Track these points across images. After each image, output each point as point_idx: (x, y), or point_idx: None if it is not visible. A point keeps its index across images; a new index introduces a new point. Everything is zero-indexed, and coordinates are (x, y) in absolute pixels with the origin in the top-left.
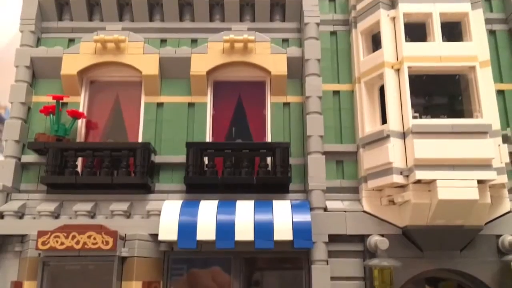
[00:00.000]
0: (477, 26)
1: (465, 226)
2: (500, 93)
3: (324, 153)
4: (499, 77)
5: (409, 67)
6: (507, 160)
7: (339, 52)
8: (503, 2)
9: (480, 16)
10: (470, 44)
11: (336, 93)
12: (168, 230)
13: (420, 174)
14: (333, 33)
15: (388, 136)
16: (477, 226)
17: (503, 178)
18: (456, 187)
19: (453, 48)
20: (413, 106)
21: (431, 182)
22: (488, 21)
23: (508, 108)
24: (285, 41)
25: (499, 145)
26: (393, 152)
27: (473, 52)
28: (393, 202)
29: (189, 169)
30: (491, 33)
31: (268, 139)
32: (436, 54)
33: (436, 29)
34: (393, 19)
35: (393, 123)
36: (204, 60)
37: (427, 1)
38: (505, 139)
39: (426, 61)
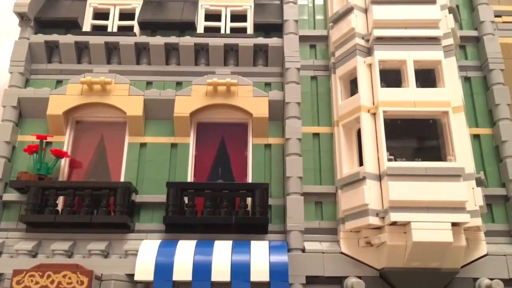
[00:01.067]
0: (450, 73)
1: (441, 269)
2: (476, 137)
3: (303, 194)
4: (474, 122)
5: (384, 112)
6: (481, 203)
7: (319, 96)
8: (478, 50)
9: (453, 64)
10: (443, 90)
11: (316, 135)
12: (145, 270)
13: (395, 216)
14: (313, 77)
15: (364, 178)
16: (453, 269)
17: (477, 221)
18: (431, 229)
19: (427, 93)
20: (388, 149)
21: (406, 224)
22: (463, 68)
23: (483, 152)
24: (267, 84)
25: (473, 188)
26: (369, 194)
27: (446, 97)
28: (370, 244)
29: (169, 208)
30: (467, 79)
31: (250, 180)
32: (410, 99)
33: (410, 76)
34: (370, 65)
35: (369, 166)
36: (187, 102)
37: (402, 49)
38: (479, 183)
39: (400, 106)
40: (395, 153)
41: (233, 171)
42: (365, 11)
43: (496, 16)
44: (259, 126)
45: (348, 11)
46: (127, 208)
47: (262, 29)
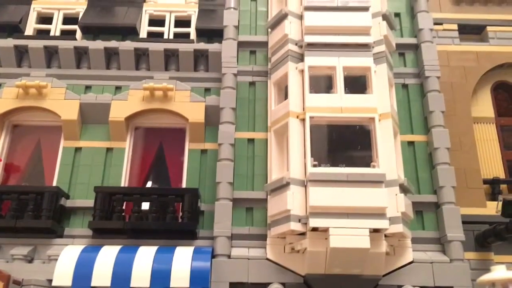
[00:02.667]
0: (380, 80)
1: (363, 276)
2: (411, 144)
3: (235, 200)
4: (410, 128)
5: (311, 117)
6: (403, 209)
7: (256, 102)
8: (416, 58)
9: (384, 71)
10: (371, 97)
11: (251, 141)
12: (63, 276)
13: (314, 222)
14: (252, 83)
15: (288, 184)
16: (375, 275)
17: (399, 228)
18: (349, 235)
19: (354, 100)
20: (315, 154)
21: (326, 230)
22: (402, 75)
23: (417, 159)
24: (207, 90)
25: (396, 195)
26: (292, 200)
27: (373, 104)
28: (295, 250)
29: (96, 213)
30: (404, 86)
31: (184, 185)
32: (337, 105)
33: (338, 82)
34: (302, 71)
35: (294, 171)
36: (124, 106)
37: (332, 55)
38: (403, 189)
39: (328, 112)
40: (321, 159)
41: (169, 176)
42: (300, 17)
43: (437, 24)
44: (195, 131)
45: (283, 17)
46: (54, 213)
47: (205, 34)
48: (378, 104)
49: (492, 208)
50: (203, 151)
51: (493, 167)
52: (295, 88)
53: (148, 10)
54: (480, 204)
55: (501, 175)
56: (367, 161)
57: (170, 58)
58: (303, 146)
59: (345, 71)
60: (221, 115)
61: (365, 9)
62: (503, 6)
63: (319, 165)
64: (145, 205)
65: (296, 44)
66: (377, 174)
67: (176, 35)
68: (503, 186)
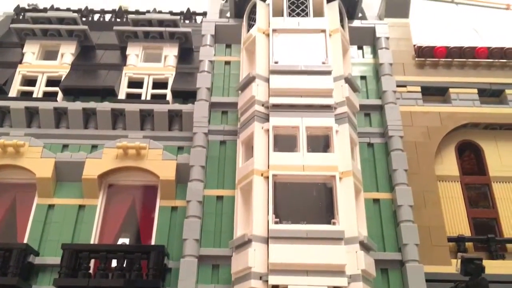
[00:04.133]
0: (342, 139)
1: None
2: (376, 201)
3: (201, 257)
4: (375, 186)
5: (274, 175)
6: (363, 267)
7: (226, 160)
8: (382, 118)
9: (346, 130)
10: (332, 155)
11: (220, 198)
12: None
13: (274, 279)
14: (223, 142)
15: (250, 241)
16: None
17: (358, 285)
18: None
19: (316, 158)
20: (278, 212)
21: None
22: (367, 134)
23: (382, 216)
24: (180, 148)
25: (356, 252)
26: (253, 257)
27: (334, 162)
28: None
29: (61, 270)
30: (370, 145)
31: (153, 242)
32: (300, 163)
33: (301, 141)
34: (267, 131)
35: (257, 228)
36: (97, 164)
37: (296, 116)
38: (364, 246)
39: (290, 170)
40: (283, 216)
41: (140, 233)
42: (267, 80)
43: (401, 86)
44: (167, 188)
45: (251, 80)
46: (22, 270)
47: (180, 96)
48: (340, 163)
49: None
50: (174, 208)
51: (459, 225)
52: (260, 147)
53: (127, 73)
54: (445, 262)
55: (467, 232)
56: (328, 218)
57: (146, 118)
58: (266, 204)
59: (308, 131)
60: (191, 173)
61: (328, 73)
62: (465, 69)
63: (281, 222)
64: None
65: (262, 105)
66: (336, 231)
67: (154, 96)
68: (469, 244)
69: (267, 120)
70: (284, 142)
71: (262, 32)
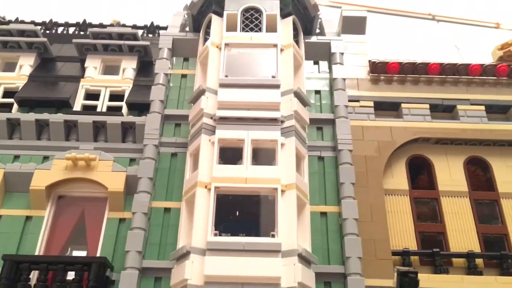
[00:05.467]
0: (287, 153)
1: None
2: (323, 214)
3: (144, 269)
4: (324, 199)
5: (216, 187)
6: (299, 279)
7: (176, 172)
8: (333, 132)
9: (292, 144)
10: (275, 168)
11: (168, 210)
12: None
13: None
14: (174, 154)
15: (188, 253)
16: None
17: None
18: None
19: (259, 171)
20: (219, 224)
21: None
22: (318, 148)
23: (329, 229)
24: (132, 160)
25: (294, 265)
26: (191, 269)
27: (277, 175)
28: None
29: (1, 282)
30: (320, 159)
31: (99, 253)
32: (243, 176)
33: (246, 154)
34: (213, 143)
35: (196, 240)
36: (46, 175)
37: (242, 129)
38: (303, 259)
39: (233, 182)
40: (224, 228)
41: (88, 244)
42: (217, 93)
43: (354, 100)
44: (115, 200)
45: (201, 93)
46: None
47: (136, 108)
48: (283, 175)
49: None
50: (122, 220)
51: (406, 239)
52: (206, 159)
53: (84, 85)
54: (388, 276)
55: (414, 246)
56: (268, 231)
57: (100, 130)
58: (207, 216)
59: (254, 144)
60: (138, 185)
61: (276, 86)
62: (418, 85)
63: (220, 234)
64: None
65: (211, 118)
66: (274, 243)
67: (111, 108)
68: (414, 258)
69: (214, 132)
70: (230, 154)
71: (216, 46)
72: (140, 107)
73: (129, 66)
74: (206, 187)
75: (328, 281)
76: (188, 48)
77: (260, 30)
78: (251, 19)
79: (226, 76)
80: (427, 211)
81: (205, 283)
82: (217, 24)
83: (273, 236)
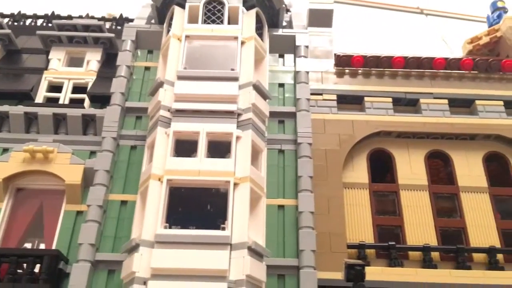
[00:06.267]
0: (243, 146)
1: None
2: (281, 208)
3: (98, 262)
4: (282, 193)
5: (169, 180)
6: (248, 272)
7: (135, 165)
8: (294, 126)
9: (248, 137)
10: (228, 161)
11: (124, 203)
12: None
13: (153, 284)
14: (133, 147)
15: (137, 245)
16: None
17: None
18: None
19: (213, 164)
20: (170, 217)
21: None
22: (279, 141)
23: (286, 222)
24: (93, 153)
25: (243, 257)
26: (139, 262)
27: (230, 168)
28: None
29: None
30: (281, 152)
31: (54, 246)
32: (196, 168)
33: (200, 146)
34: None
35: (146, 233)
36: (3, 168)
37: (198, 121)
38: (254, 252)
39: (186, 175)
40: (175, 221)
41: (45, 237)
42: None
43: (317, 94)
44: (72, 192)
45: (159, 85)
46: None
47: (99, 100)
48: (238, 168)
49: None
50: (79, 213)
51: (363, 232)
52: (160, 151)
53: (48, 77)
54: (342, 269)
55: (371, 240)
56: (218, 224)
57: (61, 122)
58: (159, 208)
59: (209, 137)
60: (95, 177)
61: (234, 79)
62: (383, 79)
63: (170, 227)
64: None
65: (168, 110)
66: (222, 236)
67: (74, 101)
68: (371, 251)
69: (169, 125)
70: (187, 147)
71: (177, 38)
72: (103, 100)
73: (93, 58)
74: (159, 179)
75: (282, 274)
76: (152, 40)
77: (222, 22)
78: (214, 11)
79: (185, 68)
80: (386, 205)
81: (151, 276)
82: (179, 16)
83: (223, 229)
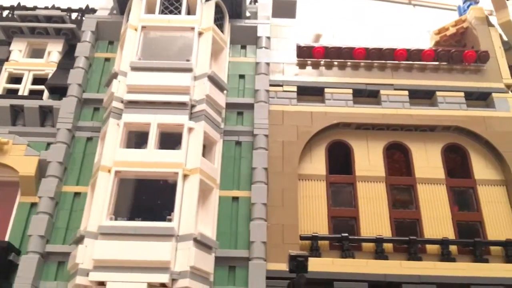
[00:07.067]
0: (195, 137)
1: None
2: (235, 199)
3: (48, 253)
4: (237, 184)
5: (117, 171)
6: (192, 263)
7: (91, 156)
8: (252, 117)
9: (201, 128)
10: (178, 152)
11: (78, 195)
12: None
13: (94, 276)
14: (89, 139)
15: (82, 237)
16: None
17: (185, 282)
18: None
19: (162, 155)
20: (117, 208)
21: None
22: (237, 133)
23: (239, 214)
24: (50, 144)
25: (189, 249)
26: (83, 253)
27: (179, 159)
28: None
29: None
30: (238, 144)
31: (7, 238)
32: (145, 160)
33: (151, 137)
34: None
35: (92, 225)
36: None
37: (150, 113)
38: (201, 244)
39: (135, 166)
40: (122, 212)
41: None
42: None
43: (277, 85)
44: (26, 184)
45: (114, 76)
46: None
47: (58, 92)
48: (189, 160)
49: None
50: (34, 204)
51: (319, 224)
52: (111, 143)
53: (8, 68)
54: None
55: (326, 231)
56: (165, 215)
57: (20, 114)
58: (106, 200)
59: (160, 128)
60: (48, 169)
61: (188, 70)
62: (346, 70)
63: (116, 219)
64: None
65: (121, 102)
66: (166, 228)
67: (34, 92)
68: (325, 243)
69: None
70: (139, 139)
71: (134, 29)
72: (62, 91)
73: (55, 50)
74: (109, 171)
75: (233, 265)
76: (113, 31)
77: (180, 12)
78: (172, 2)
79: (140, 59)
80: (342, 196)
81: (93, 267)
82: (137, 6)
83: (169, 220)
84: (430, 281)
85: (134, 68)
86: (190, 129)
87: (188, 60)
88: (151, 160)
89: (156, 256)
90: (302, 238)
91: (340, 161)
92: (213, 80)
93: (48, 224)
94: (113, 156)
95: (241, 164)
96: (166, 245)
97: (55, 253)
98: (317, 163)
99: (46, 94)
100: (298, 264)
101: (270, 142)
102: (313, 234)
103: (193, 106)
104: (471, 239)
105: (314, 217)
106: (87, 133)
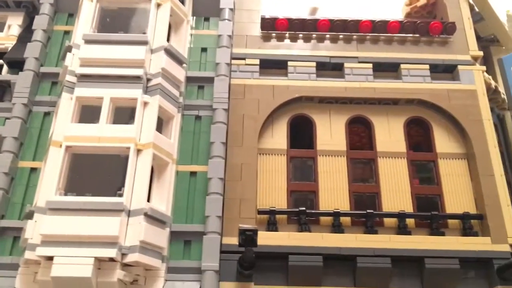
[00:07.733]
0: (150, 111)
1: None
2: (193, 174)
3: (3, 229)
4: (196, 159)
5: (68, 147)
6: (142, 238)
7: (47, 131)
8: (213, 92)
9: (156, 102)
10: (130, 127)
11: (34, 170)
12: None
13: (41, 250)
14: (47, 113)
15: (32, 212)
16: None
17: (134, 256)
18: (72, 264)
19: (114, 130)
20: (68, 184)
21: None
22: (197, 107)
23: (197, 189)
24: (8, 119)
25: (139, 223)
26: (32, 228)
27: (131, 134)
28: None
29: None
30: (198, 118)
31: None
32: (95, 135)
33: (103, 112)
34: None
35: (42, 200)
36: None
37: (103, 87)
38: (152, 218)
39: (85, 141)
40: (72, 188)
41: None
42: None
43: (240, 58)
44: None
45: (68, 49)
46: None
47: (18, 66)
48: (143, 135)
49: (263, 238)
50: None
51: (278, 198)
52: (63, 118)
53: None
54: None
55: (285, 205)
56: (116, 190)
57: None
58: (57, 175)
59: (114, 102)
60: (3, 144)
61: (143, 43)
62: (311, 43)
63: (66, 194)
64: None
65: (75, 76)
66: (116, 203)
67: None
68: (283, 217)
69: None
70: (91, 113)
71: (90, 0)
72: (22, 65)
73: (15, 23)
74: (60, 146)
75: (188, 239)
76: (72, 3)
77: None
78: None
79: (95, 32)
80: (303, 171)
81: (41, 242)
82: None
83: (120, 195)
84: (384, 254)
85: (88, 41)
86: (145, 104)
87: (144, 33)
88: (103, 135)
89: (104, 231)
90: (260, 212)
91: (303, 135)
92: (170, 53)
93: (3, 199)
94: (64, 131)
95: (201, 138)
96: (114, 220)
97: (11, 228)
98: (279, 137)
99: (5, 68)
100: (246, 238)
101: (231, 116)
102: (271, 209)
103: (148, 80)
104: (428, 213)
105: (273, 191)
106: (44, 108)
